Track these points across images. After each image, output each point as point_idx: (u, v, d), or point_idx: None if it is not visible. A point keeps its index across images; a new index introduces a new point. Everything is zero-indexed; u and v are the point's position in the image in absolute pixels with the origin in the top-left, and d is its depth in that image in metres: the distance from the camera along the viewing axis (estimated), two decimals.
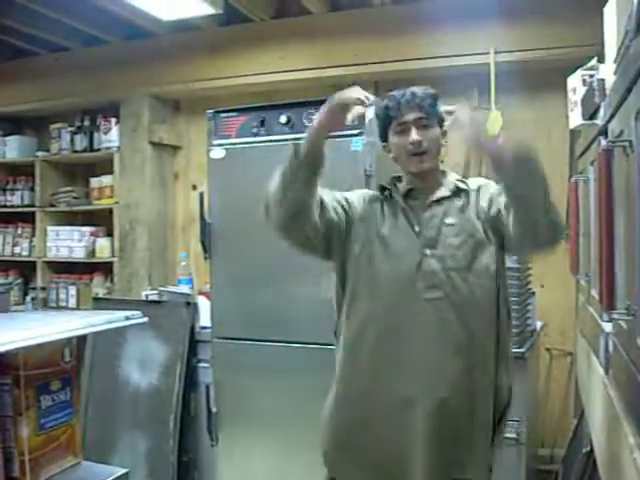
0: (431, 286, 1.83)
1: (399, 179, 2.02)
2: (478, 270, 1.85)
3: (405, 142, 1.88)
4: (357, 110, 1.76)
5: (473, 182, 1.99)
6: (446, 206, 1.91)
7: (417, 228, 1.88)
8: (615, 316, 1.35)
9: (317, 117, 1.77)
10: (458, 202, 1.92)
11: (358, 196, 1.99)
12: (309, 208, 1.80)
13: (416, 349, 1.83)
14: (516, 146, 1.67)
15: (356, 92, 1.75)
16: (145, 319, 1.61)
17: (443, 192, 1.93)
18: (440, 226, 1.88)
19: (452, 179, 1.98)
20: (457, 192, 1.93)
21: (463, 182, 1.97)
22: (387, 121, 1.92)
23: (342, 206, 1.92)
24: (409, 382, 1.83)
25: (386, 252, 1.88)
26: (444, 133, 1.95)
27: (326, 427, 1.98)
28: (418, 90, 1.90)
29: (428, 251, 1.85)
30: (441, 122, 1.93)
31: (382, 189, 1.99)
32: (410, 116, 1.87)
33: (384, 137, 1.97)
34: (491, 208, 1.86)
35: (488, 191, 1.90)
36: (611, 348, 1.57)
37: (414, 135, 1.86)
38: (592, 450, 2.14)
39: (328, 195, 1.89)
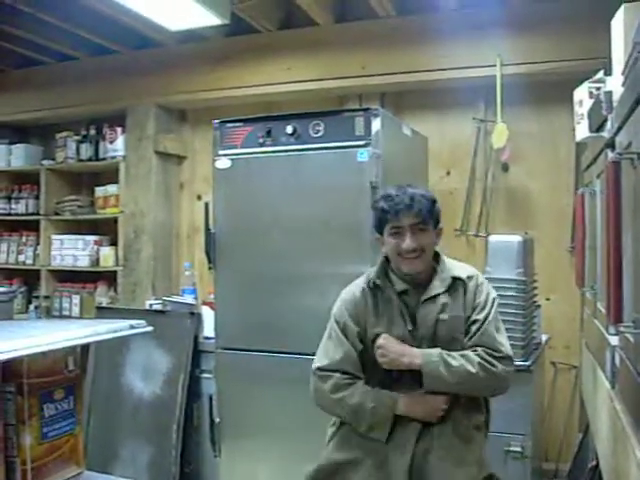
0: None
1: (389, 265, 2.02)
2: None
3: (399, 245, 1.92)
4: None
5: (462, 270, 2.02)
6: (441, 301, 1.94)
7: (410, 327, 1.94)
8: (622, 329, 1.34)
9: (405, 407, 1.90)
10: (452, 295, 1.95)
11: (353, 311, 1.99)
12: None
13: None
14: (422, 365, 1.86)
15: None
16: (150, 328, 1.60)
17: (437, 288, 1.95)
18: (435, 323, 1.93)
19: (447, 271, 1.99)
20: (452, 286, 1.96)
21: (458, 275, 1.98)
22: (383, 221, 1.96)
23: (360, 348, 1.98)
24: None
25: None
26: (439, 232, 2.01)
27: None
28: (416, 194, 1.92)
29: (424, 347, 1.92)
30: (437, 223, 1.99)
31: (374, 285, 2.00)
32: (406, 221, 1.91)
33: (379, 230, 2.00)
34: (469, 318, 1.95)
35: (473, 296, 1.96)
36: (617, 361, 1.56)
37: (408, 241, 1.90)
38: (598, 464, 2.13)
39: (354, 352, 1.97)
